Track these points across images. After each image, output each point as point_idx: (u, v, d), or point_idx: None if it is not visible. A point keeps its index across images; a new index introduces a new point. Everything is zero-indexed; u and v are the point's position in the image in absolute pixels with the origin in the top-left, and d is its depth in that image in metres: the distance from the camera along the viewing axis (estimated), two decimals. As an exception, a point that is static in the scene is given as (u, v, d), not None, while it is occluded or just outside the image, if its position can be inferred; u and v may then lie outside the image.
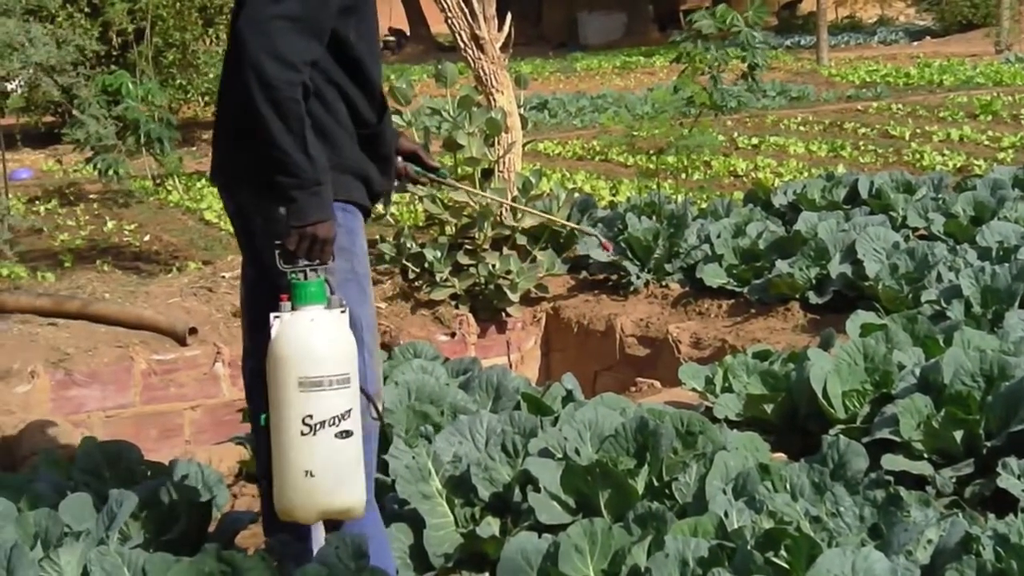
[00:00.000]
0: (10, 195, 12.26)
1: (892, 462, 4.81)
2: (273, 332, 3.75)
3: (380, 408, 4.08)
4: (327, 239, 3.79)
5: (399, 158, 4.49)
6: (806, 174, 12.80)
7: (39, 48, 5.70)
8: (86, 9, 18.13)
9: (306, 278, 3.76)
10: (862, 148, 15.07)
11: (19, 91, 16.91)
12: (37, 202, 14.49)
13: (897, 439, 4.98)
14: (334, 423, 3.70)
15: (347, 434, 3.73)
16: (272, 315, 3.75)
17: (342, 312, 3.80)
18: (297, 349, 3.71)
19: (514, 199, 9.18)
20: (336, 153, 3.95)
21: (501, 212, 9.18)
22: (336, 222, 3.86)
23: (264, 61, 3.68)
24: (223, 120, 4.11)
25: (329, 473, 3.73)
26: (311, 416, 3.69)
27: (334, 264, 3.86)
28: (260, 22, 3.70)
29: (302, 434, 3.70)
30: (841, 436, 4.60)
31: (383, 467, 4.81)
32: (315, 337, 3.73)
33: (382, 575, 3.86)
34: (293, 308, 3.75)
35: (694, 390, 6.03)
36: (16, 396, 7.35)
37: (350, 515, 3.86)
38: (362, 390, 3.85)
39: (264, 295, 3.89)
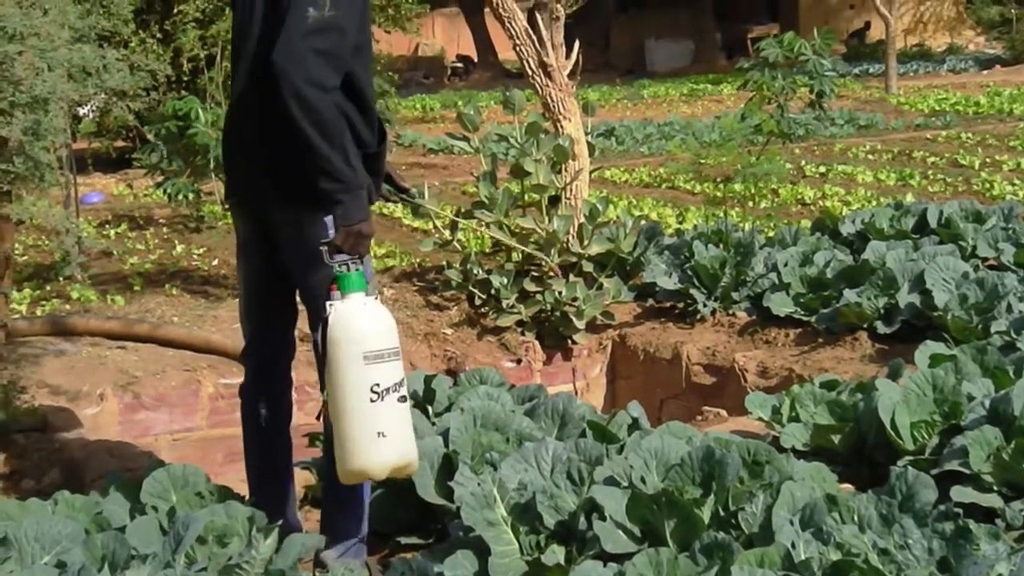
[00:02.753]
0: (81, 219, 12.37)
1: (961, 494, 4.77)
2: (331, 318, 4.35)
3: None
4: (368, 235, 4.45)
5: None
6: (874, 203, 12.70)
7: (113, 73, 5.75)
8: (158, 35, 18.29)
9: (348, 270, 4.38)
10: (931, 177, 14.95)
11: (91, 116, 17.07)
12: (107, 226, 14.60)
13: (966, 471, 4.92)
14: (395, 389, 4.35)
15: (404, 398, 4.41)
16: (327, 303, 4.37)
17: (377, 297, 4.46)
18: (357, 329, 4.33)
19: (580, 226, 9.18)
20: None
21: (568, 239, 9.18)
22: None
23: (303, 88, 4.28)
24: (264, 146, 4.62)
25: (398, 432, 4.39)
26: (378, 384, 4.31)
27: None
28: (296, 54, 4.30)
29: (371, 401, 4.31)
30: (909, 467, 4.57)
31: (448, 493, 4.82)
32: (370, 318, 4.37)
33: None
34: (342, 296, 4.36)
35: (760, 419, 6.00)
36: (85, 418, 7.41)
37: (410, 470, 4.58)
38: None
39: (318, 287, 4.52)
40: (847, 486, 5.05)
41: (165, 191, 12.74)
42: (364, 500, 4.82)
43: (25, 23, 5.49)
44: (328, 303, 4.36)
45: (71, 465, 6.42)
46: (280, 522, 4.61)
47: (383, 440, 4.35)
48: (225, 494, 4.91)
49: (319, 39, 4.31)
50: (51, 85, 5.41)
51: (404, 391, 4.40)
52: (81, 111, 14.48)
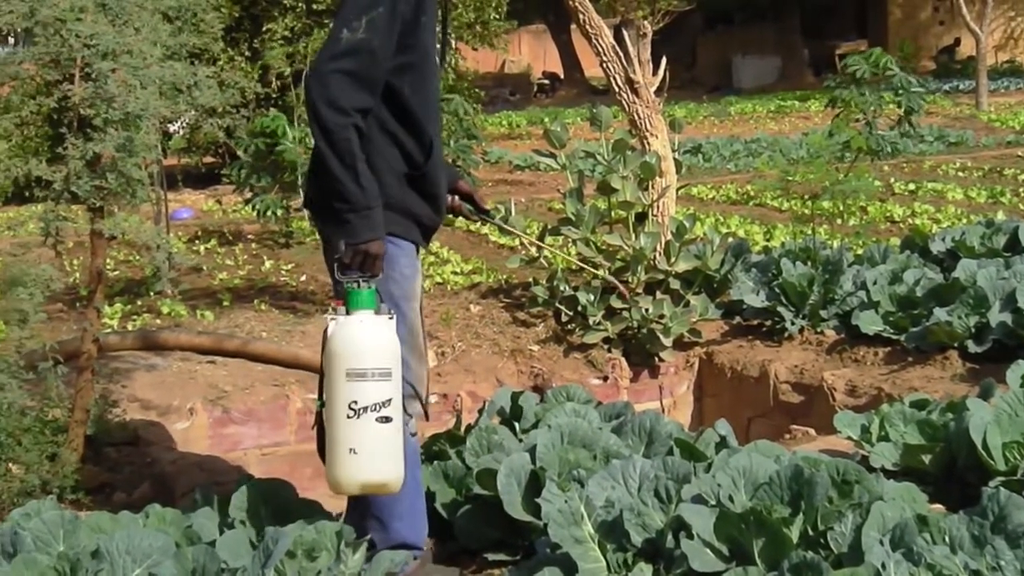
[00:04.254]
0: (172, 234, 12.49)
1: (1054, 516, 4.71)
2: (329, 331, 4.50)
3: (424, 401, 4.89)
4: (377, 255, 4.54)
5: (455, 196, 5.30)
6: (964, 221, 12.58)
7: (204, 91, 5.80)
8: (247, 53, 18.50)
9: (359, 287, 4.49)
10: (1023, 195, 14.79)
11: (181, 133, 17.26)
12: (197, 241, 14.74)
13: (1059, 492, 4.86)
14: (375, 409, 4.40)
15: (387, 419, 4.44)
16: (328, 317, 4.53)
17: (389, 318, 4.53)
18: (346, 345, 4.45)
19: (667, 243, 9.16)
20: (382, 192, 4.60)
21: (655, 256, 9.16)
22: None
23: (322, 108, 4.44)
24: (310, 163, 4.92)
25: (369, 451, 4.45)
26: (356, 402, 4.41)
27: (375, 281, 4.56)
28: (322, 75, 4.47)
29: (347, 417, 4.42)
30: (1001, 488, 4.51)
31: (535, 509, 4.82)
32: (362, 336, 4.45)
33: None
34: (347, 312, 4.48)
35: (849, 438, 5.95)
36: (175, 432, 7.47)
37: (386, 490, 4.59)
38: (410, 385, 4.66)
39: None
40: (938, 507, 4.99)
41: (254, 207, 12.86)
42: (389, 508, 4.81)
43: (118, 41, 5.56)
44: (331, 316, 4.52)
45: (161, 479, 6.48)
46: (368, 537, 4.65)
47: (353, 457, 4.45)
48: (314, 509, 4.93)
49: (348, 61, 4.46)
50: (143, 102, 5.47)
51: (390, 412, 4.44)
52: (171, 128, 14.64)
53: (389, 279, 4.66)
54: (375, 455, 4.47)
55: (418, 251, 4.96)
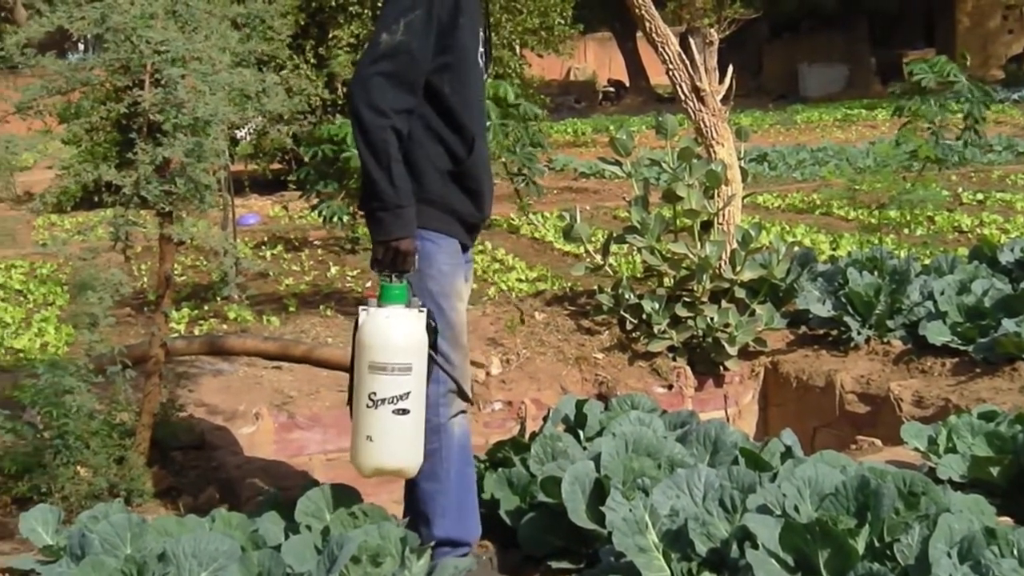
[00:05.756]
0: (238, 240, 12.56)
1: (1125, 529, 4.66)
2: (359, 322, 4.71)
3: (469, 394, 5.07)
4: (407, 252, 4.68)
5: None
6: (1033, 231, 12.50)
7: (272, 97, 5.84)
8: (312, 60, 18.57)
9: (391, 282, 4.68)
10: (1093, 205, 14.67)
11: (248, 139, 17.36)
12: (263, 247, 14.84)
13: None
14: (392, 401, 4.63)
15: (404, 411, 4.65)
16: (360, 308, 4.75)
17: (420, 312, 4.71)
18: (371, 338, 4.67)
19: (733, 252, 9.12)
20: (421, 188, 4.81)
21: (720, 265, 9.13)
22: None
23: (361, 109, 4.63)
24: None
25: (384, 440, 4.70)
26: (375, 393, 4.65)
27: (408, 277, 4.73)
28: (363, 78, 4.67)
29: (367, 406, 4.68)
30: (1071, 501, 4.48)
31: (599, 518, 4.82)
32: (387, 330, 4.64)
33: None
34: (379, 305, 4.69)
35: (916, 450, 5.91)
36: (241, 437, 7.50)
37: (400, 475, 4.89)
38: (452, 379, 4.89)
39: None
40: (1006, 519, 4.95)
41: (320, 213, 12.92)
42: (434, 503, 4.98)
43: (188, 47, 5.60)
44: (361, 308, 4.74)
45: (227, 483, 6.51)
46: (433, 543, 4.69)
47: (370, 443, 4.72)
48: (378, 514, 4.95)
49: (387, 63, 4.64)
50: (212, 108, 5.50)
51: (407, 405, 4.65)
52: (238, 134, 14.75)
53: (427, 276, 4.83)
54: (389, 444, 4.71)
55: (464, 249, 5.06)
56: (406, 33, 4.64)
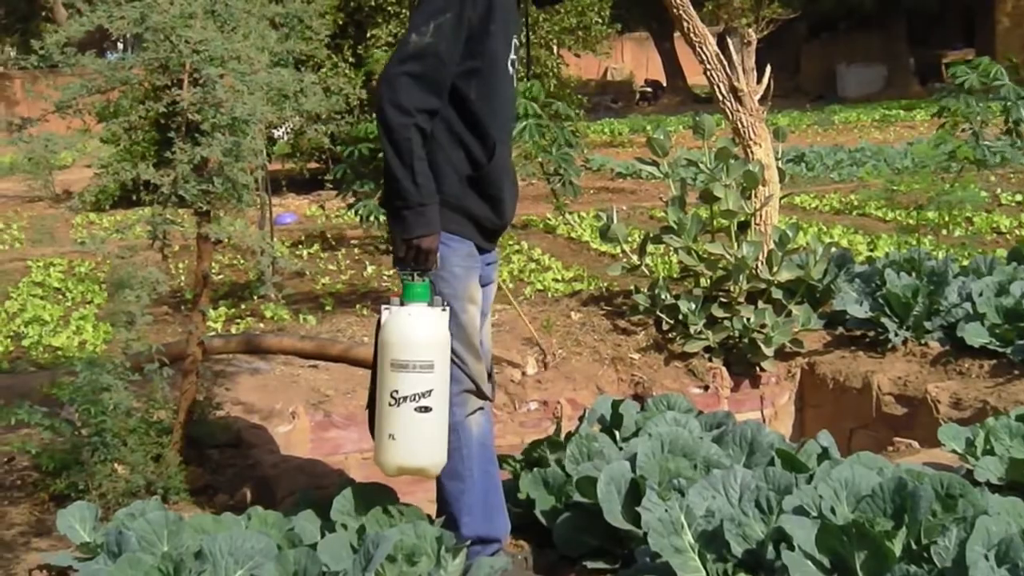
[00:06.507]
0: (275, 239, 12.60)
1: None
2: (381, 320, 4.73)
3: (488, 392, 5.08)
4: (430, 250, 4.72)
5: None
6: (1073, 232, 12.43)
7: (310, 97, 5.85)
8: (350, 59, 18.61)
9: (413, 280, 4.71)
10: None
11: (285, 138, 17.41)
12: (300, 246, 14.88)
13: None
14: (414, 399, 4.64)
15: (426, 409, 4.66)
16: (383, 306, 4.76)
17: (442, 311, 4.74)
18: (393, 336, 4.68)
19: (770, 253, 9.09)
20: (443, 191, 4.82)
21: (757, 265, 9.10)
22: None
23: (386, 108, 4.68)
24: None
25: (406, 438, 4.70)
26: (397, 391, 4.66)
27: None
28: (390, 77, 4.70)
29: (389, 404, 4.68)
30: (1110, 504, 4.45)
31: (635, 518, 4.82)
32: (408, 328, 4.67)
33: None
34: (401, 303, 4.72)
35: (954, 452, 5.89)
36: (277, 435, 7.52)
37: (424, 474, 4.89)
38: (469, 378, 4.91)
39: None
40: (1044, 522, 4.93)
41: (356, 212, 12.93)
42: (459, 502, 4.98)
43: (226, 47, 5.61)
44: (383, 306, 4.76)
45: (263, 481, 6.52)
46: (468, 542, 4.69)
47: (392, 442, 4.71)
48: (413, 513, 4.96)
49: (414, 64, 4.69)
50: (251, 107, 5.52)
51: (430, 403, 4.66)
52: (275, 133, 14.79)
53: (439, 278, 4.84)
54: (412, 442, 4.71)
55: (482, 252, 5.07)
56: (436, 35, 4.68)
